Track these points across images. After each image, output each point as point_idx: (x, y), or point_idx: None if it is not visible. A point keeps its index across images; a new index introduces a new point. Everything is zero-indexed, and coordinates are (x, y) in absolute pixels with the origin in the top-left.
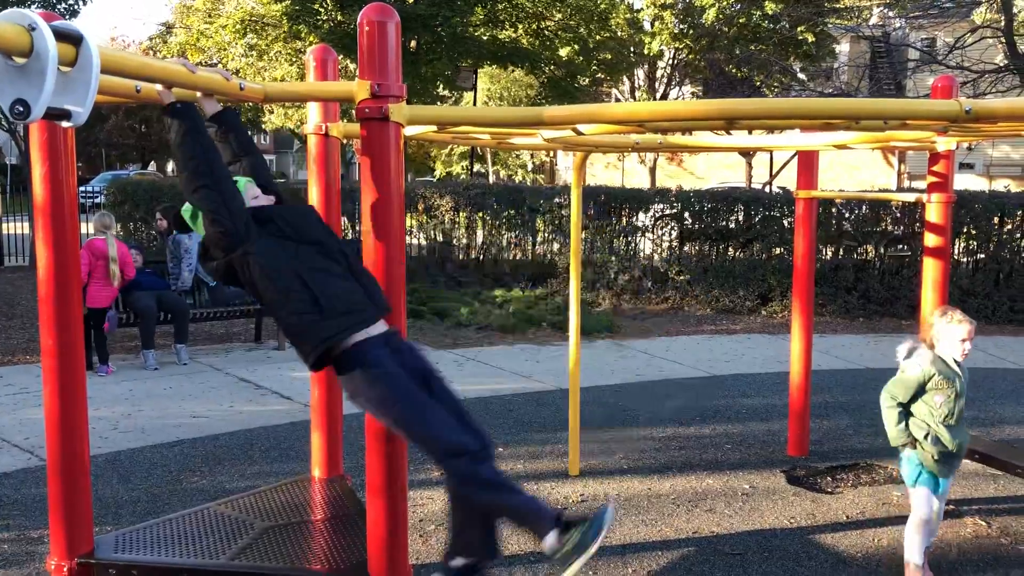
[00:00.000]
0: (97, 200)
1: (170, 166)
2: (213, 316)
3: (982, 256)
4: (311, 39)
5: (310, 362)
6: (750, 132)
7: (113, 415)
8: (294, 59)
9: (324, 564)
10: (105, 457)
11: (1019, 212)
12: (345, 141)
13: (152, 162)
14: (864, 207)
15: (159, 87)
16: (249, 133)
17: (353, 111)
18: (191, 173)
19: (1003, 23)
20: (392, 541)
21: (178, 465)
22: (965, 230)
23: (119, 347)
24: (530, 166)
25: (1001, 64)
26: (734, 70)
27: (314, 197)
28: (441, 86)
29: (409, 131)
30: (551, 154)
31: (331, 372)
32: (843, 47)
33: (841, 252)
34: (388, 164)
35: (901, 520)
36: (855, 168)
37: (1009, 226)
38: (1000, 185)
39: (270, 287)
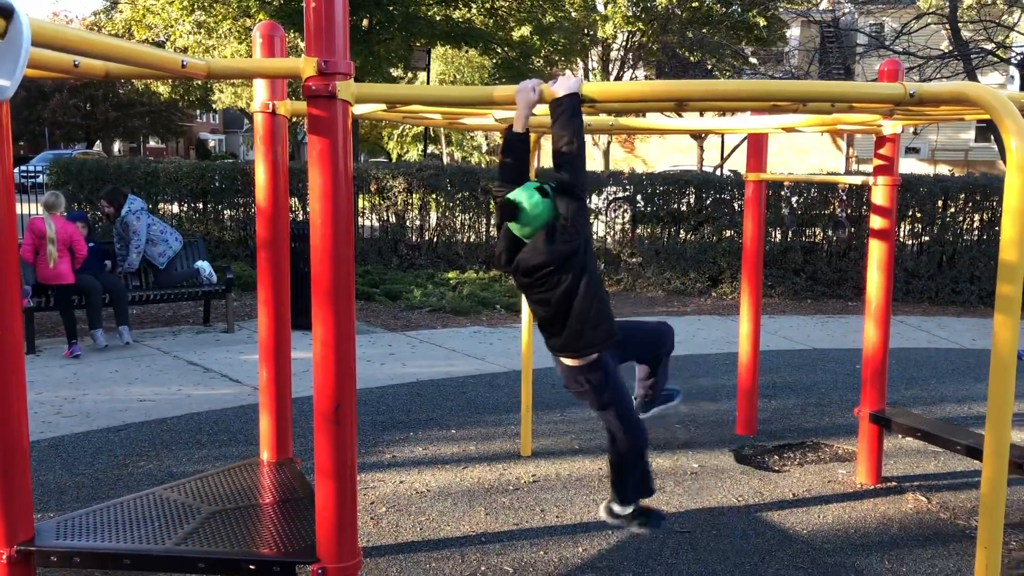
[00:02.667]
0: (38, 180)
1: (116, 146)
2: (160, 298)
3: (926, 239)
4: (260, 16)
5: (602, 345)
6: (701, 115)
7: (56, 399)
8: (244, 37)
9: (272, 548)
10: (48, 442)
11: (962, 196)
12: (294, 120)
13: (98, 141)
14: (813, 190)
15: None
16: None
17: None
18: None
19: (947, 10)
20: (341, 524)
21: (124, 450)
22: (910, 213)
23: (58, 331)
24: (485, 148)
25: (946, 50)
26: (687, 54)
27: (261, 177)
28: (394, 66)
29: (358, 110)
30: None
31: (279, 353)
32: (794, 31)
33: (790, 235)
34: (336, 143)
35: (846, 497)
36: (804, 152)
37: (952, 209)
38: (944, 170)
39: (596, 273)
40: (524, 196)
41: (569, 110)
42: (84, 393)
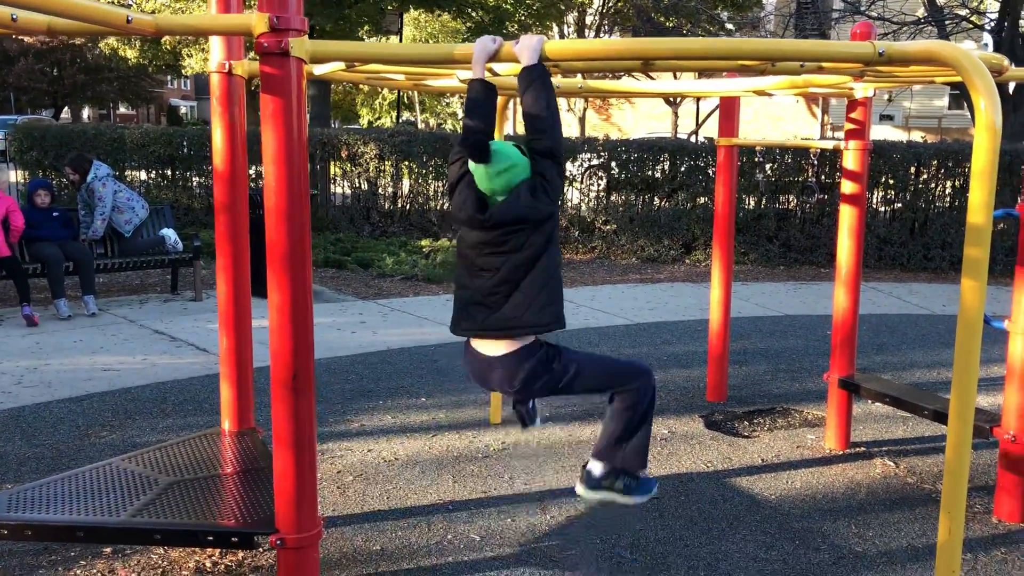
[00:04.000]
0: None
1: (85, 112)
2: (126, 266)
3: (899, 205)
4: None
5: (546, 327)
6: (676, 77)
7: (18, 369)
8: None
9: (230, 519)
10: (8, 413)
11: (934, 162)
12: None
13: (66, 107)
14: (787, 156)
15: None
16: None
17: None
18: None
19: None
20: (300, 494)
21: (87, 420)
22: (883, 180)
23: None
24: (460, 114)
25: (921, 16)
26: (662, 18)
27: (218, 141)
28: (365, 30)
29: (317, 70)
30: None
31: (240, 320)
32: None
33: (763, 202)
34: (290, 103)
35: (814, 462)
36: (779, 119)
37: (924, 176)
38: (918, 136)
39: (558, 250)
40: (498, 144)
41: (540, 77)
42: (46, 363)
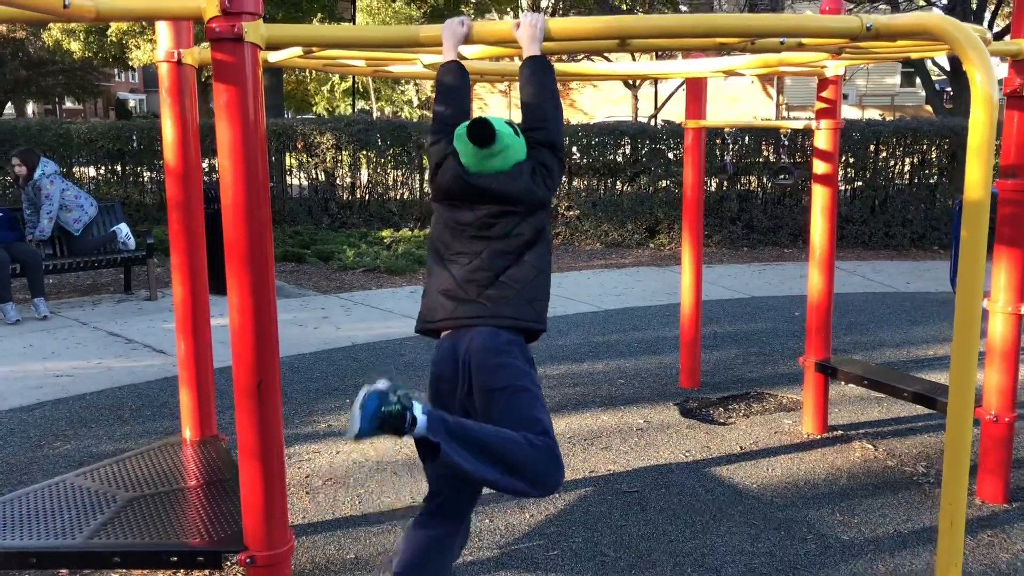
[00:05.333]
0: None
1: (30, 107)
2: (76, 267)
3: (859, 184)
4: None
5: (527, 323)
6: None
7: None
8: None
9: (196, 536)
10: None
11: (893, 140)
12: (204, 70)
13: (8, 103)
14: (747, 137)
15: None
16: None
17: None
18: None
19: None
20: (270, 508)
21: (39, 430)
22: (843, 158)
23: None
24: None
25: None
26: (617, 2)
27: (168, 134)
28: (317, 17)
29: (272, 57)
30: None
31: (197, 322)
32: None
33: (726, 184)
34: (245, 91)
35: (793, 448)
36: (735, 100)
37: (884, 154)
38: (873, 115)
39: (549, 249)
40: (496, 122)
41: (543, 68)
42: None
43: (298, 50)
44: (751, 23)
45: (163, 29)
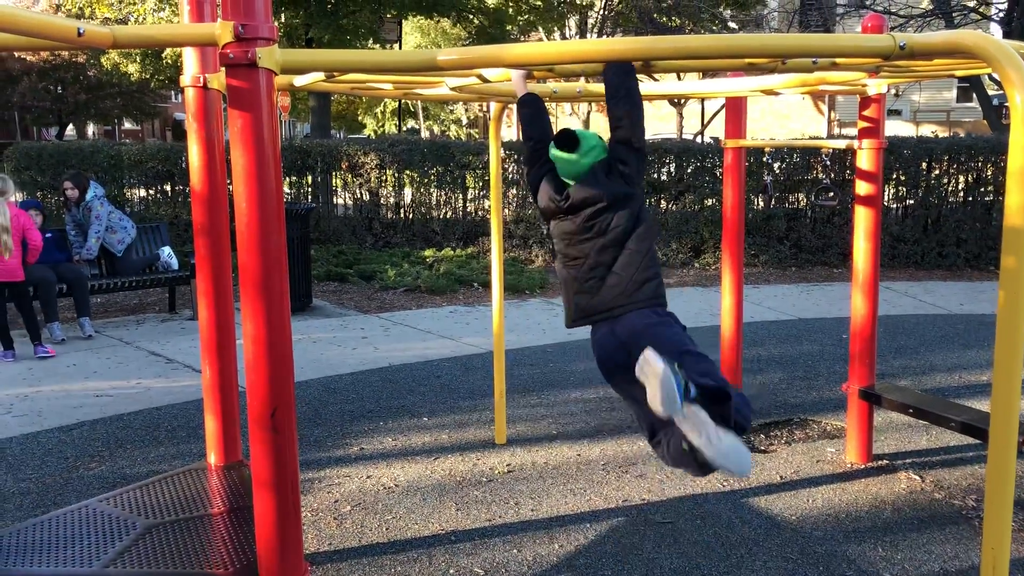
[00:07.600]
0: None
1: (90, 129)
2: (121, 287)
3: (911, 202)
4: None
5: (645, 304)
6: (679, 78)
7: (7, 397)
8: None
9: (212, 566)
10: None
11: (946, 157)
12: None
13: (70, 125)
14: (795, 155)
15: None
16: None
17: None
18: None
19: None
20: (283, 539)
21: (76, 451)
22: (894, 176)
23: (16, 323)
24: (464, 120)
25: (927, 8)
26: (664, 19)
27: (194, 159)
28: (364, 39)
29: (298, 81)
30: (483, 107)
31: (223, 348)
32: None
33: (772, 202)
34: (259, 117)
35: (836, 478)
36: (786, 117)
37: (936, 171)
38: (927, 131)
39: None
40: (580, 131)
41: (623, 69)
42: (37, 390)
43: (321, 75)
44: (780, 43)
45: (189, 54)
